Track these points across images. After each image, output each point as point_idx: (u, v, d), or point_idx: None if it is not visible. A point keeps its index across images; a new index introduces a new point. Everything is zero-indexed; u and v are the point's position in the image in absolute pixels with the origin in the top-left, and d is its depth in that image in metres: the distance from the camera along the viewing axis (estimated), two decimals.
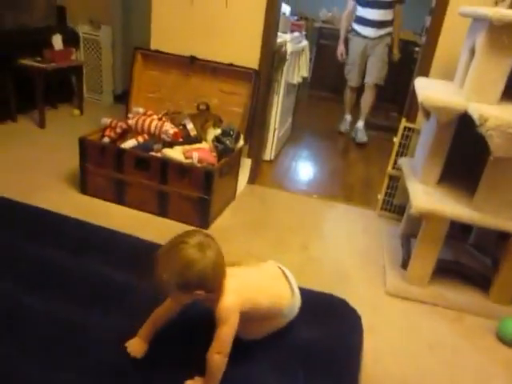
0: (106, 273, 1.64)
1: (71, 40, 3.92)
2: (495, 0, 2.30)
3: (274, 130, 3.40)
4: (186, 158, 2.36)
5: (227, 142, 2.47)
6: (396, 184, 2.75)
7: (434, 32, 2.48)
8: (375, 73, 4.05)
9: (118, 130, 2.53)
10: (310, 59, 4.65)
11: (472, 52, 1.94)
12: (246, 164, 2.93)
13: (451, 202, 1.99)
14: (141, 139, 2.48)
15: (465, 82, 1.95)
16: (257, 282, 1.39)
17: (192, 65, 2.79)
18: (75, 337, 1.35)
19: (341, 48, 4.17)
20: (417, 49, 4.63)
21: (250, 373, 1.31)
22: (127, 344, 1.32)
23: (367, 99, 4.18)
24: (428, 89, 2.04)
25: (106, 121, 2.60)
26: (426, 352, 1.80)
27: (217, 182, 2.35)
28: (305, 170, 3.63)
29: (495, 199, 1.88)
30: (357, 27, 4.03)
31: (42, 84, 3.41)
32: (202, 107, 2.72)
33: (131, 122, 2.53)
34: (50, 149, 3.13)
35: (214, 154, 2.43)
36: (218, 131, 2.56)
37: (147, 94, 2.90)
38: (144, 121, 2.51)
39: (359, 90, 4.27)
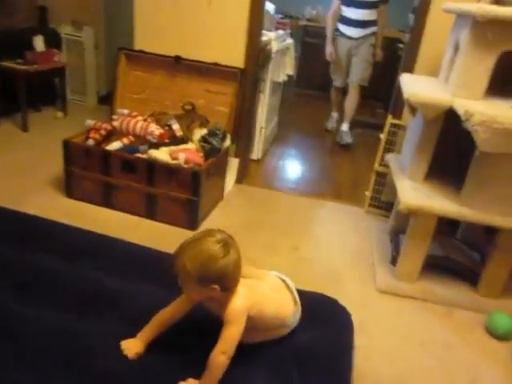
0: (98, 278, 1.62)
1: (53, 41, 3.86)
2: None
3: (261, 129, 3.39)
4: (173, 159, 2.33)
5: (214, 142, 2.45)
6: (383, 181, 2.76)
7: (418, 29, 2.50)
8: (359, 73, 4.04)
9: (103, 132, 2.49)
10: (296, 57, 4.64)
11: (456, 48, 1.95)
12: (233, 164, 2.91)
13: (439, 197, 2.00)
14: (126, 141, 2.45)
15: (450, 78, 1.96)
16: (263, 291, 1.40)
17: (177, 65, 2.76)
18: (66, 344, 1.32)
19: (329, 49, 4.11)
20: (401, 46, 4.65)
21: (243, 374, 1.30)
22: (122, 343, 1.31)
23: (351, 100, 4.15)
24: (413, 85, 2.05)
25: (90, 123, 2.56)
26: (417, 348, 1.80)
27: (204, 183, 2.33)
28: (292, 168, 3.63)
29: (482, 194, 1.89)
30: (341, 27, 4.01)
31: (25, 86, 3.35)
32: (188, 107, 2.70)
33: (116, 123, 2.50)
34: (34, 152, 3.08)
35: (201, 154, 2.42)
36: (205, 131, 2.54)
37: (132, 95, 2.87)
38: (129, 122, 2.48)
39: (345, 90, 4.26)
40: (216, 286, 1.21)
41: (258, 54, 2.80)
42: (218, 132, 2.51)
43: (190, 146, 2.47)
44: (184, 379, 1.24)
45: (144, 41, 2.84)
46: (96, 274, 1.64)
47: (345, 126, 4.23)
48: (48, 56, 3.60)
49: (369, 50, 4.00)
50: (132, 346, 1.31)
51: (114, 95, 2.85)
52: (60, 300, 1.50)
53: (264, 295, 1.38)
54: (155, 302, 1.50)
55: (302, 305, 1.48)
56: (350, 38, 3.98)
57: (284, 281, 1.49)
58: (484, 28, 1.72)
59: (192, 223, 2.37)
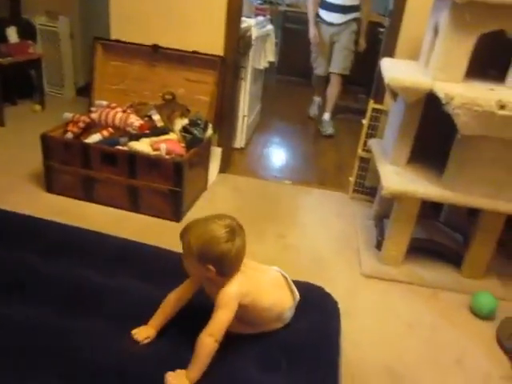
0: (82, 274, 1.59)
1: (27, 32, 3.75)
2: None
3: (244, 117, 3.36)
4: (154, 150, 2.30)
5: (195, 131, 2.42)
6: (367, 166, 2.77)
7: (397, 13, 2.48)
8: (341, 62, 3.96)
9: (81, 125, 2.44)
10: (276, 44, 4.59)
11: (436, 31, 1.94)
12: (216, 153, 2.89)
13: (422, 181, 2.01)
14: (106, 133, 2.40)
15: (430, 62, 1.96)
16: (261, 283, 1.41)
17: (155, 54, 2.71)
18: (52, 342, 1.30)
19: (313, 31, 3.95)
20: (382, 30, 4.63)
21: (232, 365, 1.29)
22: (134, 331, 1.33)
23: (333, 90, 4.09)
24: (394, 70, 2.04)
25: (68, 115, 2.50)
26: (404, 332, 1.82)
27: (187, 174, 2.30)
28: (276, 156, 3.62)
29: (464, 177, 1.91)
30: (322, 13, 3.89)
31: None
32: (168, 97, 2.65)
33: (94, 115, 2.45)
34: (11, 147, 3.01)
35: (183, 144, 2.38)
36: (186, 121, 2.50)
37: (110, 85, 2.80)
38: (108, 114, 2.43)
39: (327, 78, 4.18)
40: (212, 268, 1.23)
41: (237, 42, 2.76)
42: (199, 121, 2.48)
43: (172, 136, 2.44)
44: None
45: (120, 30, 2.78)
46: (80, 270, 1.61)
47: (327, 116, 4.18)
48: (22, 48, 3.51)
49: (350, 37, 3.90)
50: (142, 331, 1.33)
51: (92, 87, 2.79)
52: (43, 298, 1.47)
53: (262, 287, 1.39)
54: (142, 297, 1.50)
55: None
56: (331, 24, 3.86)
57: (285, 277, 1.50)
58: (462, 10, 1.72)
59: (176, 214, 2.34)
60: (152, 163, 2.26)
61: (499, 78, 1.87)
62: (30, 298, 1.46)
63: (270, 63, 3.93)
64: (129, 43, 2.74)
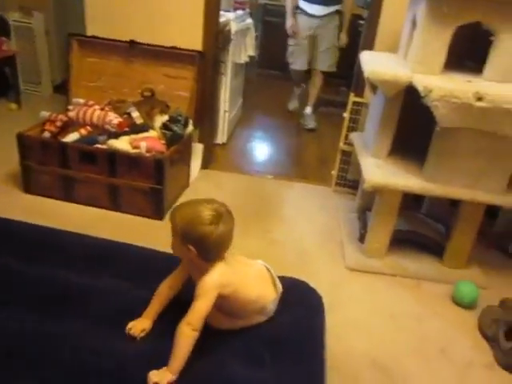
0: (63, 276, 1.56)
1: (0, 29, 3.66)
2: None
3: (225, 112, 3.34)
4: (134, 148, 2.27)
5: (175, 128, 2.39)
6: (349, 159, 2.78)
7: (376, 5, 2.48)
8: (327, 60, 3.87)
9: (59, 124, 2.39)
10: (257, 37, 4.56)
11: (414, 24, 1.95)
12: (197, 149, 2.86)
13: (403, 174, 2.02)
14: (84, 132, 2.36)
15: (408, 54, 1.96)
16: (245, 274, 1.41)
17: (132, 50, 2.66)
18: (33, 346, 1.27)
19: (290, 21, 3.83)
20: (362, 22, 4.63)
21: (217, 360, 1.29)
22: (129, 326, 1.33)
23: (316, 86, 4.03)
24: (373, 63, 2.04)
25: (45, 114, 2.45)
26: (389, 322, 1.84)
27: (168, 171, 2.27)
28: (259, 150, 3.61)
29: (444, 169, 1.92)
30: (303, 4, 3.77)
31: None
32: (147, 94, 2.61)
33: (72, 114, 2.40)
34: None
35: (163, 141, 2.35)
36: (166, 118, 2.47)
37: (87, 83, 2.75)
38: (85, 112, 2.38)
39: (306, 71, 4.08)
40: (192, 248, 1.24)
41: (216, 36, 2.73)
42: (179, 118, 2.45)
43: (152, 133, 2.40)
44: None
45: (96, 26, 2.72)
46: (60, 272, 1.58)
47: (308, 109, 4.15)
48: None
49: (335, 32, 3.81)
50: (137, 324, 1.34)
51: (69, 84, 2.73)
52: (23, 301, 1.43)
53: (245, 278, 1.38)
54: (125, 297, 1.47)
55: None
56: (312, 15, 3.74)
57: (269, 270, 1.50)
58: (440, 2, 1.72)
59: (158, 212, 2.32)
60: (132, 161, 2.23)
61: (476, 69, 1.89)
62: (8, 302, 1.42)
63: (251, 57, 3.90)
64: (105, 39, 2.68)
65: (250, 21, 3.80)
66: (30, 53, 3.95)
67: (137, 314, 1.38)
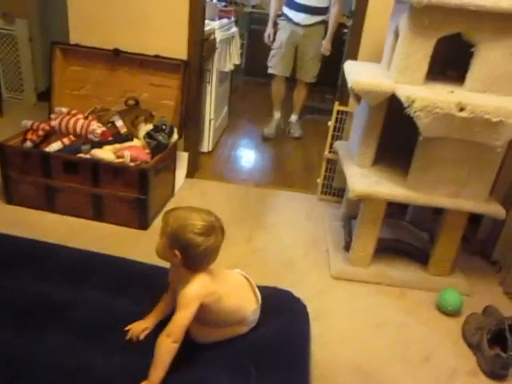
0: (41, 289, 1.53)
1: None
2: None
3: (210, 120, 3.33)
4: (118, 157, 2.24)
5: (160, 137, 2.37)
6: (334, 167, 2.79)
7: (359, 14, 2.51)
8: (310, 71, 3.85)
9: (41, 133, 2.36)
10: (242, 45, 4.56)
11: (397, 34, 1.97)
12: (183, 158, 2.85)
13: (387, 183, 2.03)
14: (67, 141, 2.33)
15: (391, 64, 1.98)
16: (226, 283, 1.41)
17: (117, 58, 2.65)
18: (10, 360, 1.24)
19: (268, 30, 3.86)
20: (346, 31, 4.68)
21: (201, 374, 1.27)
22: (129, 327, 1.36)
23: (300, 94, 4.01)
24: (356, 73, 2.05)
25: (27, 123, 2.41)
26: (373, 331, 1.84)
27: (152, 180, 2.26)
28: (244, 159, 3.60)
29: (427, 178, 1.94)
30: (288, 12, 3.72)
31: None
32: (131, 102, 2.59)
33: (54, 123, 2.37)
34: None
35: (147, 151, 2.34)
36: (150, 127, 2.45)
37: (71, 91, 2.72)
38: (68, 121, 2.36)
39: (287, 81, 3.99)
40: (178, 254, 1.23)
41: (201, 45, 2.72)
42: (164, 127, 2.43)
43: (136, 142, 2.39)
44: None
45: (80, 34, 2.70)
46: (39, 284, 1.55)
47: (294, 117, 4.15)
48: None
49: (319, 44, 3.76)
50: (139, 325, 1.36)
51: (51, 93, 2.70)
52: (0, 314, 1.40)
53: (227, 288, 1.38)
54: (104, 309, 1.45)
55: None
56: (297, 24, 3.69)
57: (248, 279, 1.50)
58: (421, 14, 1.74)
59: (142, 222, 2.30)
60: (116, 171, 2.21)
61: (458, 78, 1.91)
62: None
63: (236, 65, 3.90)
64: (89, 47, 2.67)
65: (235, 29, 3.81)
66: (12, 60, 3.92)
67: (120, 326, 1.36)
